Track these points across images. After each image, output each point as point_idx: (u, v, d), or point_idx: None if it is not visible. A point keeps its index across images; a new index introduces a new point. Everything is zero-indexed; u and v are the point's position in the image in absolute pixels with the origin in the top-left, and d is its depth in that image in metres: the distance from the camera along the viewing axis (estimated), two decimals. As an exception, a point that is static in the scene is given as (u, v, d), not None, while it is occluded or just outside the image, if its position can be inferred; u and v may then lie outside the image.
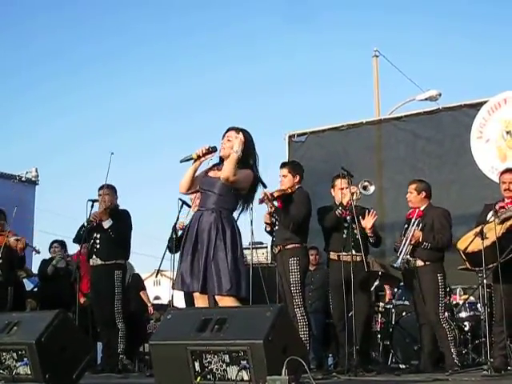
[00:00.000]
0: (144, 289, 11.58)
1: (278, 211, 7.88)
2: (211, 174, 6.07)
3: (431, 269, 7.93)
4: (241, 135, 5.89)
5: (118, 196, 8.94)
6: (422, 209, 8.15)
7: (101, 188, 8.77)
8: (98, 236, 8.72)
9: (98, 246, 8.71)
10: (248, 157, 5.96)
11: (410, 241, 7.94)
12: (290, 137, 13.06)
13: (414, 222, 8.04)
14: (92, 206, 8.69)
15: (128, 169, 67.47)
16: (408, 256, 7.97)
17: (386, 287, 10.06)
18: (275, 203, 7.90)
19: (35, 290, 11.05)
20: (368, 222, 8.08)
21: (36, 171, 14.49)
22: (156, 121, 73.57)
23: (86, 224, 8.71)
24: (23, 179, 14.27)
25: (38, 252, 9.96)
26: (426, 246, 7.94)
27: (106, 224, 8.63)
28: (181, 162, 5.97)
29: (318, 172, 12.19)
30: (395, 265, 7.98)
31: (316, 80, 69.67)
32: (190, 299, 7.09)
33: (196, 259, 5.89)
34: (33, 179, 14.46)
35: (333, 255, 8.23)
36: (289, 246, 7.85)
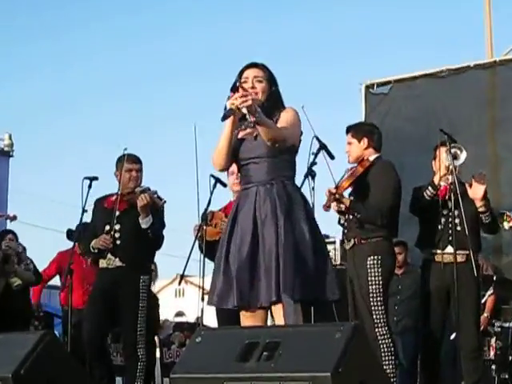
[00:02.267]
0: None
1: (354, 208, 7.70)
2: (242, 134, 6.12)
3: None
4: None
5: None
6: None
7: (131, 160, 8.58)
8: (118, 228, 8.45)
9: (117, 242, 8.43)
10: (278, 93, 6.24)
11: None
12: (367, 87, 12.93)
13: None
14: (90, 185, 8.38)
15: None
16: None
17: (490, 298, 9.90)
18: (346, 200, 7.72)
19: None
20: (477, 190, 7.70)
21: (10, 138, 14.39)
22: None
23: (92, 247, 8.47)
24: (-7, 149, 14.27)
25: (15, 218, 10.22)
26: None
27: (145, 223, 8.30)
28: (223, 120, 6.00)
29: (406, 136, 12.14)
30: None
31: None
32: (229, 319, 6.93)
33: (260, 262, 5.86)
34: (5, 149, 14.35)
35: (426, 254, 8.16)
36: (369, 240, 7.63)
